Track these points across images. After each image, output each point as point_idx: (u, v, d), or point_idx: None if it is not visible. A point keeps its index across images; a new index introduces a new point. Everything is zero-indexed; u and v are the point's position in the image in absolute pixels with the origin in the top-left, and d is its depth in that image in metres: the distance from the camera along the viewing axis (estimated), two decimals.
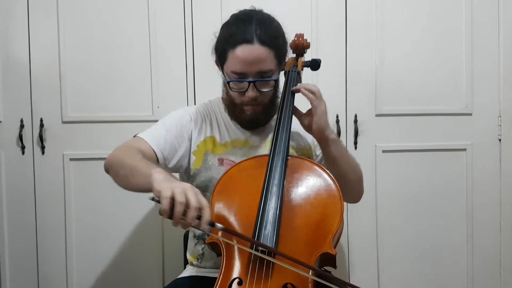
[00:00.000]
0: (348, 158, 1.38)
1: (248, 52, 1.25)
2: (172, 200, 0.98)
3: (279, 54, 1.31)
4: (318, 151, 1.44)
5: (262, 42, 1.26)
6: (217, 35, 1.34)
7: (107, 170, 1.27)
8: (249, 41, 1.25)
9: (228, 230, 1.08)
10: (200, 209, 0.99)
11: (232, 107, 1.38)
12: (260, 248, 1.08)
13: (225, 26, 1.33)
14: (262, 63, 1.27)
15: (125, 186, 1.21)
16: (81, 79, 1.83)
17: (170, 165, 1.35)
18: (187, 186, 1.02)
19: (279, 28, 1.33)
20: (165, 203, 0.98)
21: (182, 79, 1.86)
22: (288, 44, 1.41)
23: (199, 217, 0.99)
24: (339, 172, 1.31)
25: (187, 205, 0.98)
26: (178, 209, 0.97)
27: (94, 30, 1.83)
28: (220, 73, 1.40)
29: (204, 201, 1.01)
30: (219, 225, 1.03)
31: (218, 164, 1.35)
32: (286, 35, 1.37)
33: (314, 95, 1.31)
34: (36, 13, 1.80)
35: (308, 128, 1.35)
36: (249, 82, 1.28)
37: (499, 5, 1.96)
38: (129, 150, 1.25)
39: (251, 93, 1.30)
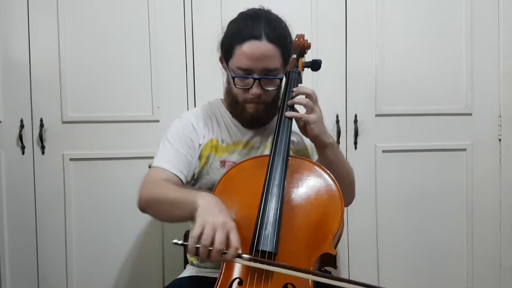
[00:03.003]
0: (343, 162, 1.37)
1: (256, 48, 1.25)
2: (199, 238, 1.01)
3: (286, 54, 1.31)
4: (316, 153, 1.44)
5: (270, 40, 1.25)
6: (224, 30, 1.33)
7: (144, 209, 1.24)
8: (257, 37, 1.25)
9: (251, 263, 1.06)
10: (223, 250, 1.01)
11: (234, 105, 1.37)
12: (261, 249, 1.08)
13: (233, 23, 1.32)
14: (269, 60, 1.27)
15: (169, 220, 1.26)
16: (81, 79, 1.83)
17: (189, 178, 1.34)
18: (218, 222, 1.02)
19: (287, 29, 1.33)
20: (191, 243, 1.02)
21: (182, 79, 1.85)
22: None
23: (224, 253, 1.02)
24: (333, 175, 1.31)
25: (212, 245, 1.00)
26: (201, 250, 1.01)
27: (94, 30, 1.82)
28: (223, 70, 1.39)
29: (234, 240, 1.02)
30: (245, 255, 1.04)
31: (220, 166, 1.34)
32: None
33: (309, 97, 1.30)
34: (36, 13, 1.80)
35: (305, 133, 1.33)
36: (254, 79, 1.28)
37: (499, 5, 1.96)
38: (158, 184, 1.23)
39: (255, 90, 1.29)
